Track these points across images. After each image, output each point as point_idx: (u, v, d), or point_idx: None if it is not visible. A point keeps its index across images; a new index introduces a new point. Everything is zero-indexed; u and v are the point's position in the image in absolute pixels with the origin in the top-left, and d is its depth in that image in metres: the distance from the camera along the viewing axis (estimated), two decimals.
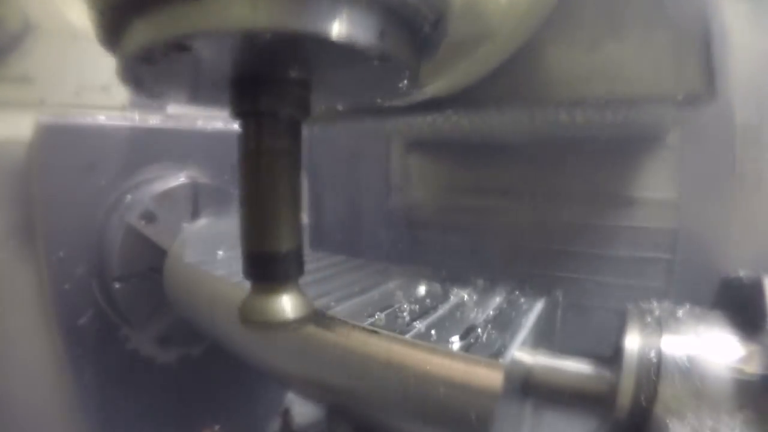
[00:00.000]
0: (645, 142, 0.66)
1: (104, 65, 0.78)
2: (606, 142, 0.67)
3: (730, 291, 0.44)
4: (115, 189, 0.76)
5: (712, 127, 0.61)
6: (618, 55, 0.46)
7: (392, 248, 0.92)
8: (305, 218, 1.10)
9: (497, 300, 0.52)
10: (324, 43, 0.31)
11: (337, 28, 0.30)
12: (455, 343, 0.40)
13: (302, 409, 0.80)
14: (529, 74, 0.49)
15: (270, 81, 0.38)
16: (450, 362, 0.38)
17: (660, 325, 0.40)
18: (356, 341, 0.44)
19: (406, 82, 0.39)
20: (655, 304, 0.44)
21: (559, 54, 0.48)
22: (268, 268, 0.41)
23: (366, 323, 0.44)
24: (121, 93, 0.80)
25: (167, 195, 0.79)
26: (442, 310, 0.48)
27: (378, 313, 0.47)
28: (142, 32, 0.31)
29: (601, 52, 0.47)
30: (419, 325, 0.44)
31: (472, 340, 0.40)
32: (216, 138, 0.91)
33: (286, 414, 0.78)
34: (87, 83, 0.76)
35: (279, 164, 0.40)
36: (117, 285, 0.74)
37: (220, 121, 0.92)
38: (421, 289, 0.56)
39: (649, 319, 0.41)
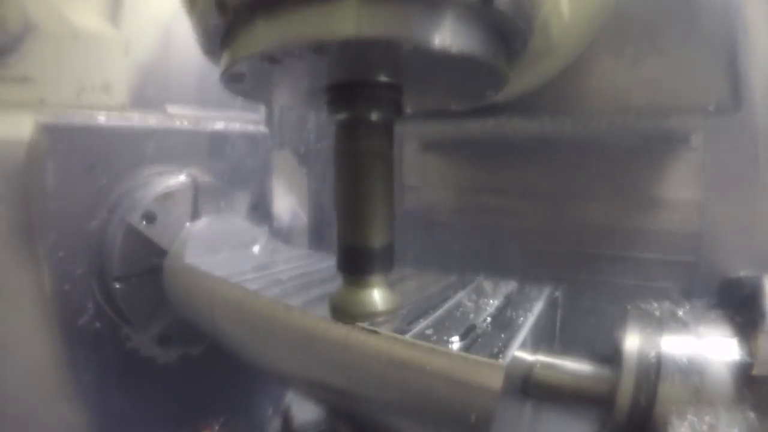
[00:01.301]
0: (669, 143, 0.65)
1: (105, 65, 0.79)
2: (629, 142, 0.66)
3: (730, 291, 0.44)
4: (115, 189, 0.76)
5: (735, 129, 0.61)
6: (658, 69, 0.51)
7: (407, 250, 0.91)
8: (304, 218, 1.10)
9: (497, 300, 0.52)
10: (426, 51, 0.33)
11: (441, 39, 0.32)
12: (455, 343, 0.40)
13: (302, 409, 0.80)
14: (578, 86, 0.54)
15: (365, 86, 0.41)
16: (450, 362, 0.38)
17: (660, 325, 0.40)
18: (356, 341, 0.44)
19: (493, 89, 0.44)
20: (655, 304, 0.44)
21: (605, 68, 0.53)
22: (361, 261, 0.45)
23: (366, 323, 0.44)
24: (121, 93, 0.80)
25: (167, 195, 0.79)
26: (441, 310, 0.48)
27: None
28: (265, 35, 0.33)
29: (643, 67, 0.51)
30: (419, 325, 0.44)
31: (471, 340, 0.40)
32: (216, 138, 0.91)
33: (286, 414, 0.78)
34: (87, 83, 0.76)
35: (374, 164, 0.43)
36: (117, 285, 0.74)
37: (220, 122, 0.92)
38: (422, 289, 0.56)
39: (649, 319, 0.41)
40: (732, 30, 0.50)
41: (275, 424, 0.85)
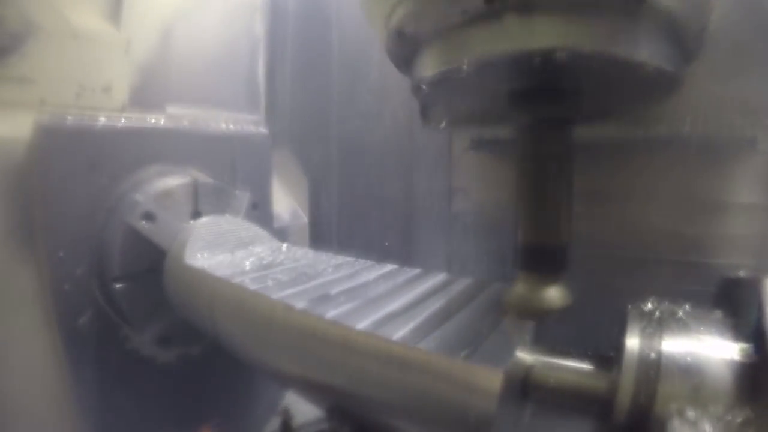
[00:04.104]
0: (736, 146, 0.64)
1: (105, 65, 0.79)
2: (695, 145, 0.64)
3: (730, 291, 0.44)
4: (115, 189, 0.76)
5: None
6: (742, 90, 0.56)
7: (454, 257, 0.87)
8: (304, 218, 1.10)
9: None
10: (626, 65, 0.37)
11: (644, 54, 0.37)
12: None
13: (302, 409, 0.79)
14: (678, 99, 0.54)
15: (559, 92, 0.43)
16: (450, 363, 0.38)
17: (660, 325, 0.40)
18: (356, 342, 0.44)
19: (666, 93, 0.46)
20: (655, 304, 0.44)
21: (700, 85, 0.56)
22: (548, 259, 0.46)
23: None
24: (121, 93, 0.80)
25: (167, 195, 0.79)
26: (434, 310, 0.48)
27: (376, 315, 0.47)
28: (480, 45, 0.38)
29: (731, 87, 0.56)
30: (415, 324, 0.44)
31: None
32: (216, 138, 0.91)
33: (285, 413, 0.78)
34: (87, 83, 0.76)
35: (561, 166, 0.45)
36: (117, 285, 0.74)
37: (220, 122, 0.92)
38: (419, 290, 0.56)
39: (649, 319, 0.41)
40: None
41: (274, 423, 0.85)
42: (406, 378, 0.40)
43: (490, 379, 0.36)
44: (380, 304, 0.51)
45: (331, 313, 0.47)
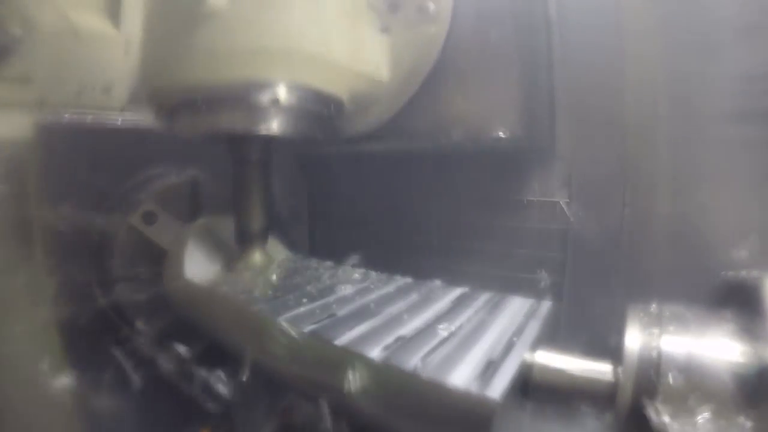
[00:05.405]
0: (536, 153, 0.75)
1: (105, 65, 0.78)
2: (499, 155, 0.78)
3: (731, 291, 0.44)
4: (115, 189, 0.76)
5: (599, 134, 0.71)
6: (465, 105, 0.67)
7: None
8: (305, 217, 1.09)
9: (470, 310, 0.52)
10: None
11: (276, 128, 0.60)
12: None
13: (302, 409, 0.79)
14: (413, 117, 0.72)
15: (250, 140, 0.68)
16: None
17: (660, 325, 0.40)
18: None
19: (324, 136, 0.68)
20: (655, 304, 0.44)
21: (428, 103, 0.69)
22: None
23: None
24: (121, 93, 0.80)
25: (167, 194, 0.79)
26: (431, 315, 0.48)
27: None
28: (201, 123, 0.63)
29: (456, 103, 0.68)
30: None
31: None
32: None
33: (287, 412, 0.78)
34: (87, 83, 0.76)
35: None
36: (117, 285, 0.74)
37: None
38: (413, 297, 0.57)
39: (649, 319, 0.41)
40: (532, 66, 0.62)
41: (275, 423, 0.85)
42: (405, 379, 0.40)
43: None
44: (392, 327, 0.49)
45: (342, 339, 0.46)
